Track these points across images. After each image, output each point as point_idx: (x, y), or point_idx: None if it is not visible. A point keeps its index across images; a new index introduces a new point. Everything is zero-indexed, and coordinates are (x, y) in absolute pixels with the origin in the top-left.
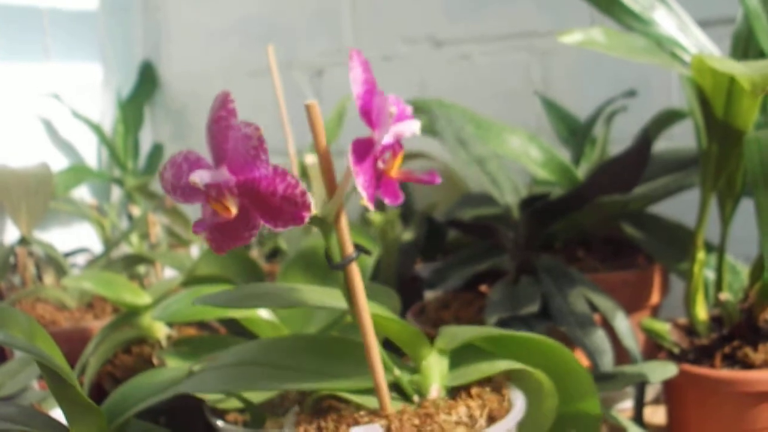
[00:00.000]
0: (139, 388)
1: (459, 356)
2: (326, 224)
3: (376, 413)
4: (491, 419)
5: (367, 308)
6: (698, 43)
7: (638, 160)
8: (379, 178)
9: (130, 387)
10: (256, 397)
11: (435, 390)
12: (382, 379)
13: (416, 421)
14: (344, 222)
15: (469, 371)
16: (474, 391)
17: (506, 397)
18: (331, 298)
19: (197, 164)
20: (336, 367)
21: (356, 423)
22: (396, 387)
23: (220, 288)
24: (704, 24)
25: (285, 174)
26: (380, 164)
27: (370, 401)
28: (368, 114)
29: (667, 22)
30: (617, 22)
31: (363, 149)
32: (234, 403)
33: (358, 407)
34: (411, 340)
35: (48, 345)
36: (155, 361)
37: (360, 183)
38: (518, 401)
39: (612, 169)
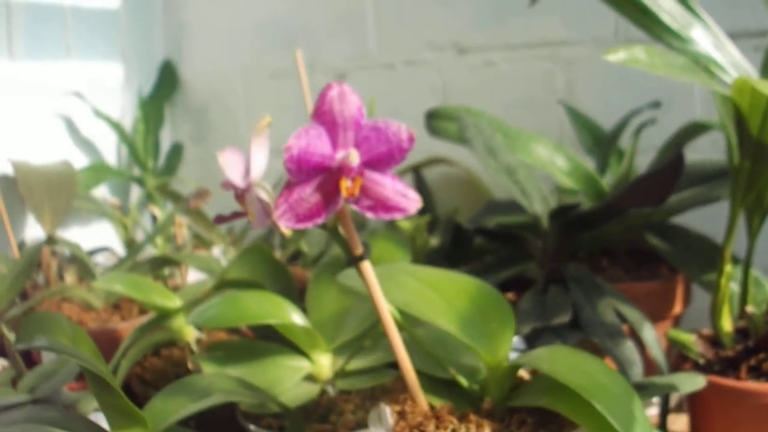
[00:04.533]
0: (180, 394)
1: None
2: (328, 229)
3: (408, 403)
4: None
5: (384, 304)
6: (733, 61)
7: (672, 176)
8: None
9: (170, 392)
10: (293, 401)
11: (488, 402)
12: (411, 373)
13: (419, 419)
14: (349, 226)
15: (523, 395)
16: (518, 417)
17: None
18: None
19: None
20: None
21: (394, 403)
22: None
23: (253, 292)
24: (731, 37)
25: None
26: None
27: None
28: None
29: (705, 41)
30: (656, 39)
31: (288, 185)
32: (269, 408)
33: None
34: (482, 354)
35: (90, 350)
36: (190, 366)
37: (275, 210)
38: None
39: (645, 184)
